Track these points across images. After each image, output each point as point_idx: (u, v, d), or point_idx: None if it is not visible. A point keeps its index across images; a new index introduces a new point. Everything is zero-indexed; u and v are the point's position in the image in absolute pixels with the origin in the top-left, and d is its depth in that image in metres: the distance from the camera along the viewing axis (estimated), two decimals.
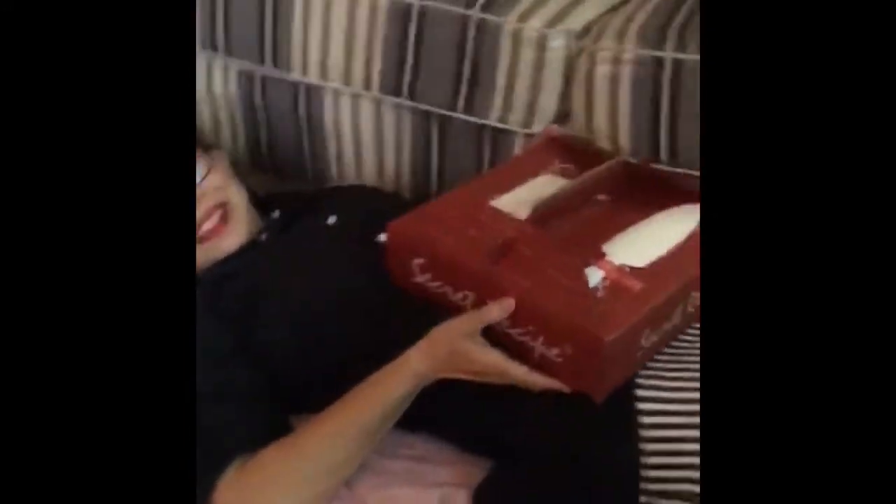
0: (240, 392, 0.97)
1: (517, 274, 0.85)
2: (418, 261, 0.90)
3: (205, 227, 1.06)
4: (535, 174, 1.00)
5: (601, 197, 0.97)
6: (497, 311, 0.84)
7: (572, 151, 1.04)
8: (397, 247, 0.92)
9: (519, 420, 0.92)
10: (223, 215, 1.08)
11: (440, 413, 0.98)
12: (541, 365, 0.85)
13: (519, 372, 0.85)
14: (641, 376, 0.88)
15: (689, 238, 0.91)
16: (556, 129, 1.12)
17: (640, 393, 0.88)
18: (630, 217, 0.93)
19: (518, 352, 0.86)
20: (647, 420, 0.87)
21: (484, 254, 0.87)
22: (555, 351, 0.83)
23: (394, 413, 0.92)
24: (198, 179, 1.07)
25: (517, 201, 0.94)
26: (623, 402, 0.87)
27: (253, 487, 0.90)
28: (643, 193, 0.96)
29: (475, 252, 0.87)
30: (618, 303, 0.82)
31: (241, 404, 0.96)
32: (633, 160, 1.03)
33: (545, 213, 0.91)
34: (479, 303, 0.87)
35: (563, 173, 1.01)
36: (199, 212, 1.06)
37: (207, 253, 1.07)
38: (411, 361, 0.88)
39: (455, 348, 0.86)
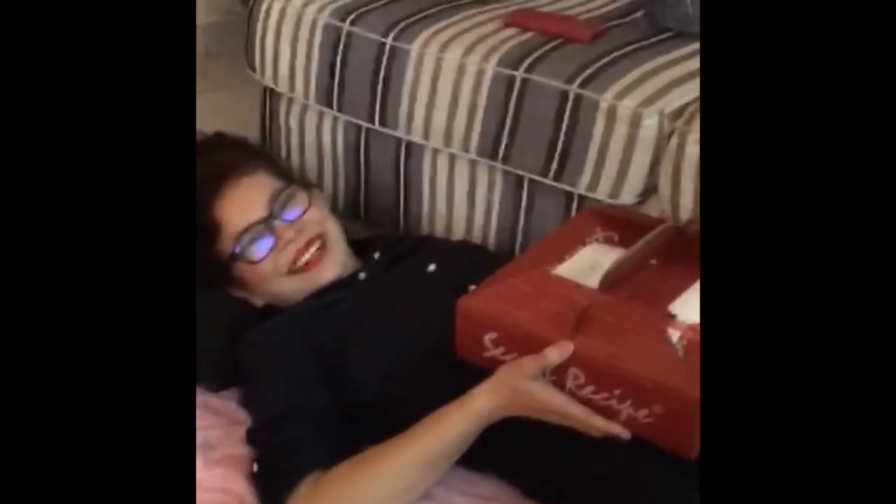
0: (317, 415, 1.03)
1: (599, 340, 0.87)
2: (491, 335, 0.92)
3: (304, 258, 1.13)
4: (582, 243, 1.03)
5: (652, 261, 1.00)
6: (556, 353, 0.87)
7: (612, 220, 1.06)
8: (468, 323, 0.94)
9: (585, 471, 0.96)
10: (322, 246, 1.14)
11: (508, 457, 1.02)
12: (628, 427, 0.87)
13: (580, 412, 0.88)
14: None
15: None
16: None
17: None
18: (682, 278, 0.95)
19: (603, 416, 0.88)
20: None
21: (562, 324, 0.88)
22: (643, 412, 0.85)
23: (457, 447, 0.96)
24: (299, 212, 1.15)
25: (574, 270, 0.97)
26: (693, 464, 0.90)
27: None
28: (690, 256, 0.94)
29: (553, 323, 0.89)
30: (699, 360, 0.83)
31: (319, 425, 1.02)
32: (679, 225, 1.05)
33: (613, 280, 0.92)
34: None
35: (607, 241, 1.04)
36: (299, 242, 1.12)
37: (304, 282, 1.14)
38: (475, 398, 0.93)
39: (518, 387, 0.90)
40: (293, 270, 1.13)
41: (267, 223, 1.13)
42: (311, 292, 1.14)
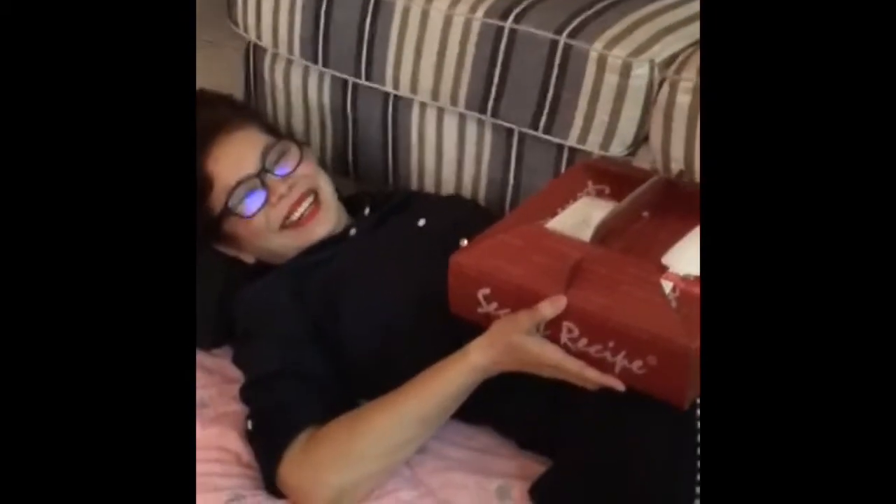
0: (311, 372, 1.03)
1: (593, 293, 0.87)
2: (484, 291, 0.92)
3: (297, 213, 1.12)
4: (574, 197, 1.03)
5: (644, 213, 1.00)
6: (550, 307, 0.87)
7: (603, 173, 1.06)
8: (461, 279, 0.93)
9: (579, 422, 0.97)
10: (315, 201, 1.13)
11: (503, 410, 1.03)
12: (622, 379, 0.88)
13: (574, 366, 0.89)
14: None
15: None
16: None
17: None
18: (675, 230, 0.95)
19: (597, 369, 0.89)
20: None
21: (555, 278, 0.89)
22: (637, 363, 0.86)
23: (453, 402, 0.97)
24: (291, 166, 1.13)
25: (566, 224, 0.97)
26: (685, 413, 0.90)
27: (317, 459, 0.96)
28: (682, 207, 0.97)
29: (546, 277, 0.89)
30: (692, 311, 0.84)
31: (312, 383, 1.02)
32: (671, 177, 1.05)
33: (605, 233, 0.93)
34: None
35: (599, 194, 1.04)
36: (292, 197, 1.11)
37: (297, 239, 1.13)
38: (470, 354, 0.94)
39: (512, 342, 0.90)
40: (286, 226, 1.12)
41: (259, 177, 1.11)
42: (302, 249, 1.13)
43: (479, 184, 1.37)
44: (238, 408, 1.07)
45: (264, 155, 1.12)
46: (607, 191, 1.05)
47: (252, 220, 1.12)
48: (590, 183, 1.06)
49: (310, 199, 1.13)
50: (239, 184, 1.11)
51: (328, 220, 1.14)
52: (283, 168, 1.13)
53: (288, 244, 1.13)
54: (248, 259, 1.17)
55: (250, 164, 1.12)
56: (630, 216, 0.97)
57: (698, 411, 0.90)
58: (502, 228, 0.96)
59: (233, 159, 1.12)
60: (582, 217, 0.98)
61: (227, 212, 1.12)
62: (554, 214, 0.99)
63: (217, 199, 1.12)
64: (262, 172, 1.12)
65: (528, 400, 1.00)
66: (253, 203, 1.12)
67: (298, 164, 1.14)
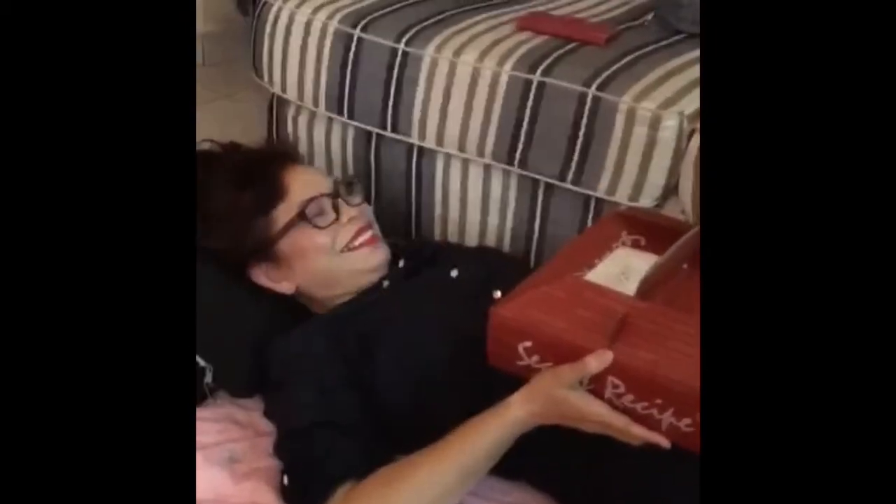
0: (348, 424, 1.01)
1: (639, 348, 0.86)
2: (525, 344, 0.90)
3: (360, 238, 1.17)
4: (609, 248, 1.03)
5: (684, 266, 0.99)
6: (595, 362, 0.86)
7: (637, 223, 1.06)
8: (502, 331, 0.92)
9: (618, 477, 0.96)
10: (374, 234, 1.19)
11: (539, 464, 1.02)
12: (668, 436, 0.87)
13: (620, 422, 0.87)
14: None
15: None
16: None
17: None
18: None
19: (643, 425, 0.87)
20: None
21: (600, 332, 0.87)
22: (686, 421, 0.84)
23: (492, 455, 0.95)
24: (359, 199, 1.22)
25: (606, 276, 0.96)
26: None
27: None
28: None
29: (591, 331, 0.87)
30: None
31: (348, 434, 1.00)
32: None
33: (650, 287, 0.91)
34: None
35: (635, 245, 1.04)
36: (361, 221, 1.18)
37: (357, 262, 1.16)
38: (511, 407, 0.92)
39: (555, 395, 0.89)
40: (349, 248, 1.15)
41: (333, 198, 1.17)
42: (353, 273, 1.16)
43: (503, 235, 1.37)
44: (271, 462, 1.05)
45: (337, 183, 1.20)
46: (643, 241, 1.05)
47: (321, 232, 1.15)
48: (624, 233, 1.05)
49: (370, 231, 1.18)
50: (315, 197, 1.16)
51: (384, 251, 1.19)
52: (354, 198, 1.21)
53: (344, 268, 1.16)
54: (288, 289, 1.18)
55: (326, 186, 1.19)
56: (670, 269, 0.97)
57: None
58: (543, 280, 0.95)
59: (311, 177, 1.21)
60: (620, 268, 0.98)
61: (301, 220, 1.15)
62: (592, 266, 0.99)
63: (287, 210, 1.15)
64: (336, 195, 1.18)
65: (565, 454, 0.98)
66: (325, 218, 1.16)
67: (363, 201, 1.23)
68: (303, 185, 1.17)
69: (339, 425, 1.01)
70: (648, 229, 1.05)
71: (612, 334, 0.87)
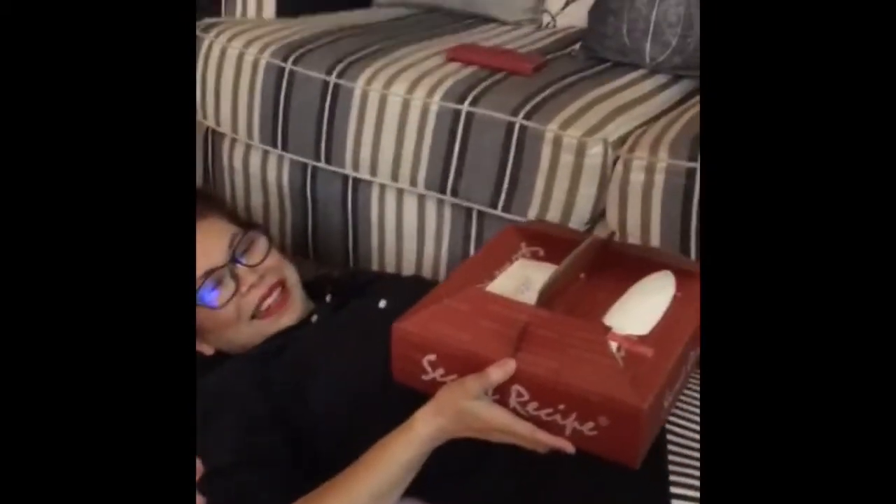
0: (270, 458, 1.00)
1: (542, 356, 0.87)
2: (430, 357, 0.91)
3: (267, 303, 1.12)
4: (509, 260, 1.04)
5: (581, 275, 1.01)
6: (499, 372, 0.87)
7: (534, 235, 1.08)
8: (405, 346, 0.92)
9: (549, 496, 0.97)
10: (283, 292, 1.13)
11: (467, 490, 1.02)
12: (573, 441, 0.88)
13: (525, 429, 0.88)
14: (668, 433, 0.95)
15: (674, 302, 0.96)
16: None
17: (670, 447, 0.94)
18: (613, 290, 0.97)
19: (549, 431, 0.88)
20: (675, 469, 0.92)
21: (503, 342, 0.88)
22: (588, 425, 0.86)
23: (404, 475, 0.94)
24: (259, 257, 1.13)
25: (506, 287, 0.98)
26: (656, 459, 0.92)
27: None
28: (616, 267, 0.99)
29: (494, 342, 0.89)
30: (639, 370, 0.85)
31: (271, 469, 0.99)
32: (604, 238, 1.07)
33: (549, 296, 0.93)
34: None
35: (533, 256, 1.06)
36: (262, 288, 1.11)
37: (265, 328, 1.12)
38: (416, 423, 0.92)
39: (461, 407, 0.89)
40: (255, 315, 1.12)
41: (228, 268, 1.11)
42: (266, 337, 1.13)
43: (439, 263, 1.38)
44: (197, 500, 1.03)
45: (231, 245, 1.12)
46: (541, 252, 1.07)
47: (221, 311, 1.11)
48: (523, 245, 1.08)
49: (278, 290, 1.13)
50: (207, 275, 1.10)
51: (295, 309, 1.14)
52: (252, 258, 1.13)
53: (255, 333, 1.12)
54: (207, 350, 1.16)
55: (218, 255, 1.11)
56: (568, 278, 0.98)
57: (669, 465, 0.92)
58: (444, 293, 0.95)
59: (204, 244, 1.10)
60: (520, 279, 1.00)
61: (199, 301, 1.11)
62: (492, 277, 1.00)
63: None
64: (231, 262, 1.12)
65: (495, 476, 0.99)
66: (222, 294, 1.11)
67: (267, 255, 1.14)
68: (197, 257, 1.08)
69: (262, 461, 1.01)
70: (546, 241, 1.07)
71: (514, 344, 0.88)
